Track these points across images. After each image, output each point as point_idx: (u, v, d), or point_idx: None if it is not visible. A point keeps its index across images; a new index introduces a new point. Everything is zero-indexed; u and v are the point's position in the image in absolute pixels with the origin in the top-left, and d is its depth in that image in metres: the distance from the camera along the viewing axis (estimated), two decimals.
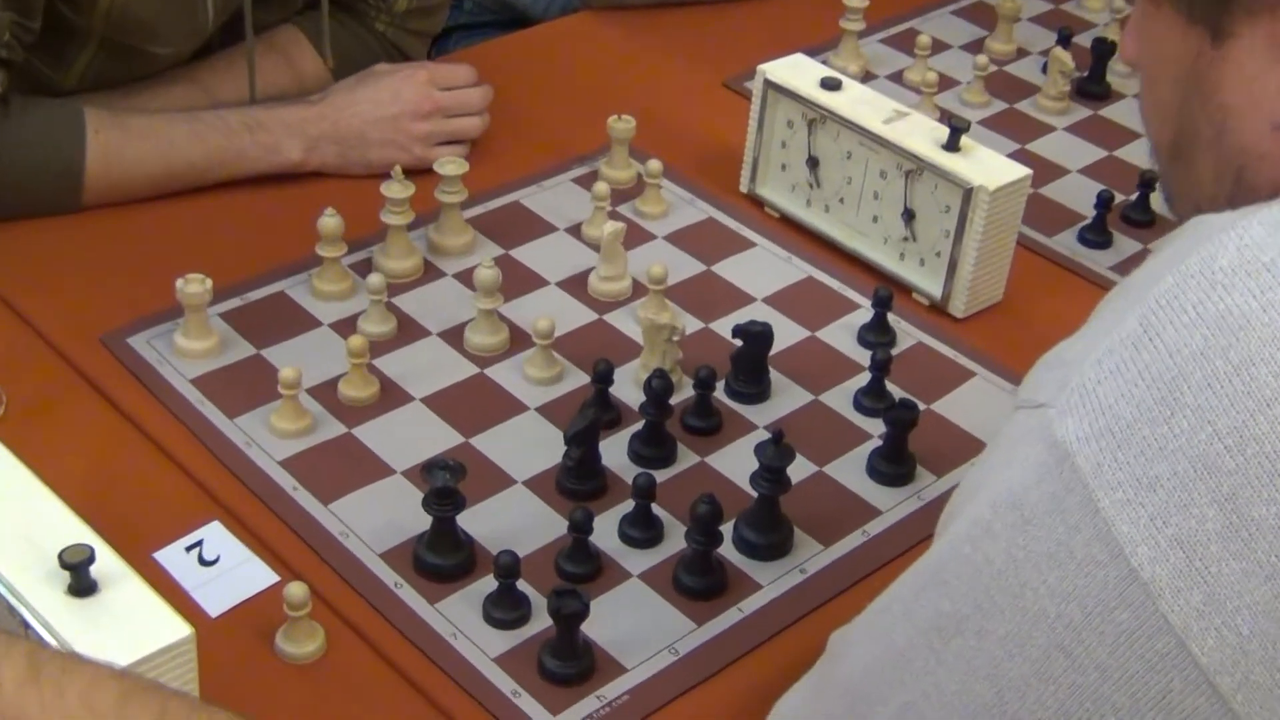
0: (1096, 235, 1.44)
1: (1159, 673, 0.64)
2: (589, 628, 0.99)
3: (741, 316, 1.28)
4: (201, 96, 1.43)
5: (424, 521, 1.05)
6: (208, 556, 1.06)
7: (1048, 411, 0.66)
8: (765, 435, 1.15)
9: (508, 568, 1.01)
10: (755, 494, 1.08)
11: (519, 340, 1.26)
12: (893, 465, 1.16)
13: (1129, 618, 0.64)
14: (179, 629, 0.85)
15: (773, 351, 1.23)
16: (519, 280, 1.33)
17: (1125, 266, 1.40)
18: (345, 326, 1.26)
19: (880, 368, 1.21)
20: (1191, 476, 0.63)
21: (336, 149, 1.42)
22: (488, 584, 1.03)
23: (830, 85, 1.38)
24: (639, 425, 1.16)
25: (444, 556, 1.05)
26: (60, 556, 0.85)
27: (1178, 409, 0.63)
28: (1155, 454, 0.63)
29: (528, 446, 1.16)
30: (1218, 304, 0.64)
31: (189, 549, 1.06)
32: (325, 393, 1.19)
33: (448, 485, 1.03)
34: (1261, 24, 0.72)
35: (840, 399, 1.23)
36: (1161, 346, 0.64)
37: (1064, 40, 1.66)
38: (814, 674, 0.82)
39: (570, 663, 0.98)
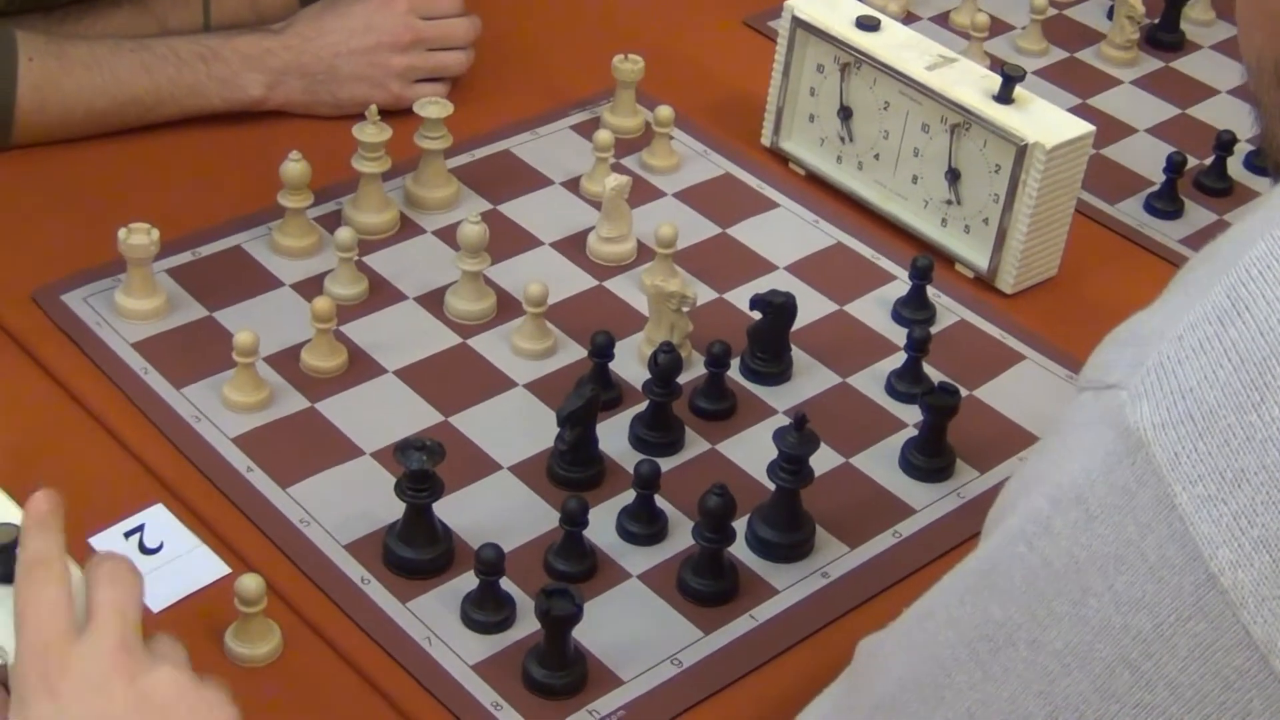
0: (1165, 203, 1.44)
1: (1237, 692, 0.64)
2: (581, 633, 0.99)
3: (761, 286, 1.28)
4: (150, 23, 1.43)
5: (396, 509, 1.05)
6: (149, 544, 1.06)
7: (1119, 394, 0.66)
8: (785, 420, 1.16)
9: (490, 563, 1.01)
10: (773, 487, 1.08)
11: (507, 307, 1.26)
12: (929, 458, 1.16)
13: (1206, 629, 0.64)
14: None
15: (795, 326, 1.23)
16: (508, 239, 1.33)
17: (1197, 239, 1.40)
18: (310, 287, 1.26)
19: (917, 347, 1.21)
20: None
21: (302, 84, 1.41)
22: (467, 581, 1.03)
23: (867, 25, 1.38)
24: (642, 406, 1.16)
25: (418, 549, 1.05)
26: None
27: (1269, 394, 0.63)
28: (1242, 444, 0.63)
29: (515, 427, 1.16)
30: None
31: (128, 535, 1.06)
32: (286, 362, 1.19)
33: (424, 469, 1.03)
34: None
35: (871, 382, 1.23)
36: (1252, 322, 0.64)
37: None
38: (838, 688, 0.82)
39: (559, 672, 0.98)
